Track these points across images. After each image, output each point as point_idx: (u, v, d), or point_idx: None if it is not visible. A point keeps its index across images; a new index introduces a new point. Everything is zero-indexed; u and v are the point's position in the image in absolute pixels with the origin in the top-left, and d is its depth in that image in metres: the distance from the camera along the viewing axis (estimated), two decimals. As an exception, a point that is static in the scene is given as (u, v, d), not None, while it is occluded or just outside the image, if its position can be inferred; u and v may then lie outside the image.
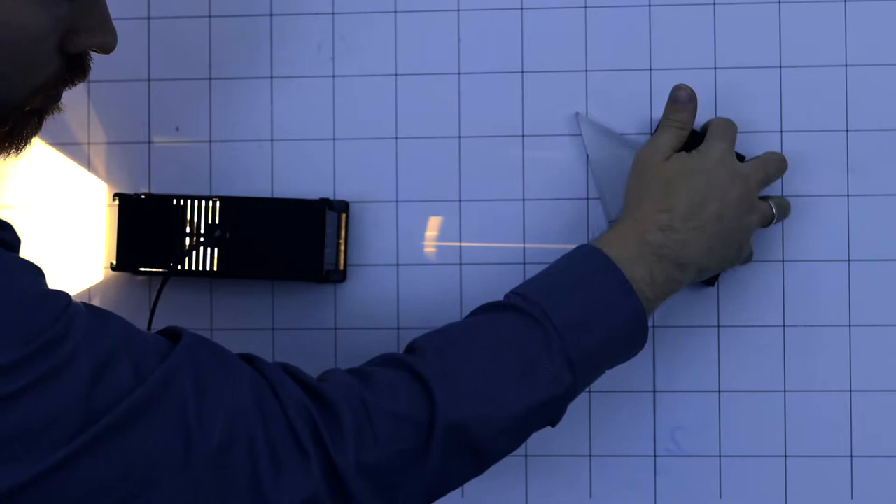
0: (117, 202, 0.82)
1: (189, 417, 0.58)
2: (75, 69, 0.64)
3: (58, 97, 0.66)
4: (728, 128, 0.79)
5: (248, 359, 0.65)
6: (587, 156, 0.83)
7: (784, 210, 0.81)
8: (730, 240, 0.75)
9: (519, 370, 0.66)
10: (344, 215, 0.83)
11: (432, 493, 0.66)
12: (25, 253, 0.73)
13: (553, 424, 0.70)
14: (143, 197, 0.82)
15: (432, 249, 0.85)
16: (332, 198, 0.83)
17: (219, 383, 0.60)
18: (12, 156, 0.66)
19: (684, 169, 0.76)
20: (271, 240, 0.80)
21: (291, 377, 0.64)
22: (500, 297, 0.71)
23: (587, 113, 0.84)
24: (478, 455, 0.66)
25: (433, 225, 0.85)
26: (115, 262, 0.82)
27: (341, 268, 0.83)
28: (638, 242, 0.72)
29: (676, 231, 0.73)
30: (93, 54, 0.66)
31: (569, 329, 0.68)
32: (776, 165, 0.80)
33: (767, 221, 0.79)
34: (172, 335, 0.63)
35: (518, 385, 0.66)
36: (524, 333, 0.68)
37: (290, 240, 0.80)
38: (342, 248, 0.83)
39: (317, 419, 0.61)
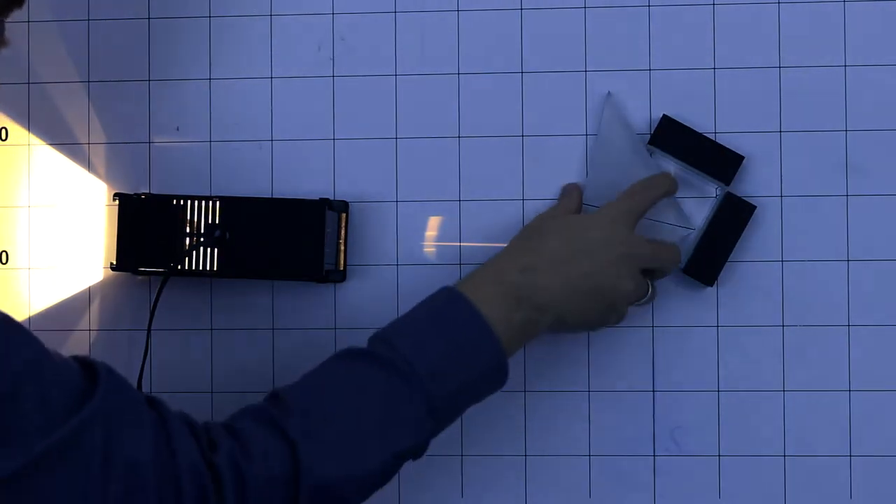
0: (117, 202, 0.83)
1: (92, 472, 0.58)
2: None
3: None
4: (645, 189, 0.78)
5: (152, 403, 0.64)
6: (597, 134, 0.83)
7: (654, 295, 0.80)
8: (597, 299, 0.74)
9: (382, 424, 0.67)
10: (344, 215, 0.83)
11: None
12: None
13: (416, 459, 0.71)
14: (143, 197, 0.82)
15: (432, 249, 0.85)
16: (331, 198, 0.84)
17: (126, 436, 0.60)
18: None
19: (564, 223, 0.76)
20: (271, 240, 0.80)
21: (190, 433, 0.63)
22: None
23: (587, 111, 0.84)
24: None
25: (433, 225, 0.85)
26: (115, 262, 0.82)
27: (341, 268, 0.83)
28: (496, 283, 0.73)
29: (537, 273, 0.73)
30: None
31: (432, 376, 0.68)
32: (668, 257, 0.78)
33: (641, 297, 0.77)
34: (86, 366, 0.62)
35: (381, 439, 0.67)
36: (387, 386, 0.68)
37: (290, 240, 0.80)
38: (342, 248, 0.83)
39: (206, 487, 0.62)
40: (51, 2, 0.88)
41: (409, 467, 0.84)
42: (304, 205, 0.80)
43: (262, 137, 0.86)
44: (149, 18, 0.87)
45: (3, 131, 0.88)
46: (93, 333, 0.86)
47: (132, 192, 0.84)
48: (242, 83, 0.86)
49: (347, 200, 0.84)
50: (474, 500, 0.84)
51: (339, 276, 0.83)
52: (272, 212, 0.80)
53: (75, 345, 0.86)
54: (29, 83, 0.87)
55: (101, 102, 0.87)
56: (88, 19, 0.87)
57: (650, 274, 0.78)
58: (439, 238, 0.85)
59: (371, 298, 0.85)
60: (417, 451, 0.70)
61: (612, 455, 0.83)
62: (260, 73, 0.86)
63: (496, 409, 0.83)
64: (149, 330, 0.82)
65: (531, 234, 0.77)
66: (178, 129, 0.86)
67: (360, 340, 0.84)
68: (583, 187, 0.82)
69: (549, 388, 0.83)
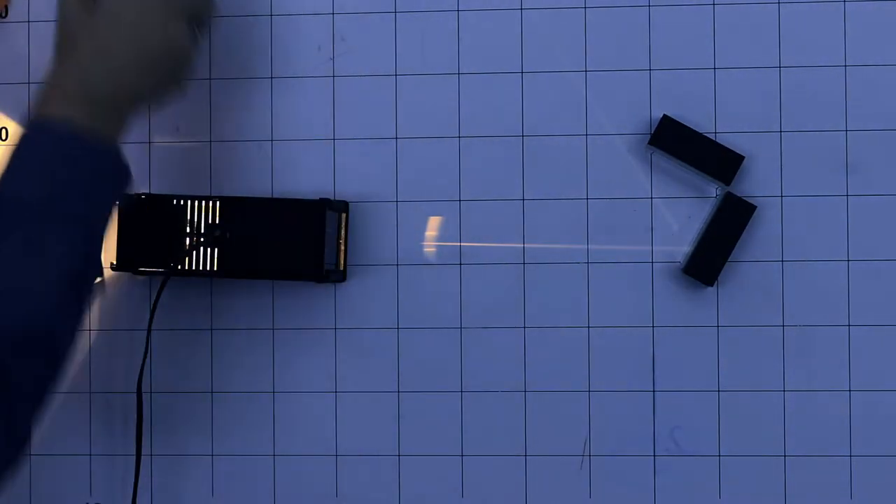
0: (117, 202, 0.82)
1: None
2: None
3: None
4: None
5: None
6: None
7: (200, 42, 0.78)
8: (149, 57, 0.72)
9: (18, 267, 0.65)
10: (344, 215, 0.83)
11: (27, 407, 0.66)
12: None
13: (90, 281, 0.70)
14: (142, 197, 0.82)
15: (432, 249, 0.85)
16: (331, 198, 0.84)
17: None
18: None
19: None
20: (271, 240, 0.80)
21: None
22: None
23: (587, 111, 0.84)
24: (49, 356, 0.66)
25: (433, 225, 0.85)
26: (115, 262, 0.82)
27: (341, 268, 0.83)
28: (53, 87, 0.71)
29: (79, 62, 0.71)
30: None
31: (53, 201, 0.66)
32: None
33: (193, 47, 0.76)
34: None
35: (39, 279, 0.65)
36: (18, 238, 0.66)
37: (290, 240, 0.80)
38: (342, 248, 0.83)
39: None
40: (51, 2, 0.88)
41: (410, 467, 0.84)
42: (304, 205, 0.80)
43: (262, 137, 0.86)
44: (149, 18, 0.87)
45: (3, 131, 0.88)
46: (93, 333, 0.86)
47: (132, 192, 0.83)
48: (242, 83, 0.86)
49: (347, 200, 0.84)
50: (474, 500, 0.84)
51: (339, 276, 0.83)
52: (272, 212, 0.80)
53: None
54: (29, 83, 0.87)
55: (101, 102, 0.87)
56: (88, 19, 0.87)
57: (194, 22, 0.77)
58: (439, 238, 0.85)
59: (371, 298, 0.85)
60: (85, 263, 0.68)
61: (612, 455, 0.83)
62: (260, 73, 0.86)
63: (496, 409, 0.84)
64: (149, 330, 0.82)
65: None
66: (178, 129, 0.86)
67: (361, 340, 0.84)
68: None
69: (549, 388, 0.84)
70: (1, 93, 0.88)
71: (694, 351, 0.83)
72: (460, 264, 0.84)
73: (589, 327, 0.83)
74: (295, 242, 0.80)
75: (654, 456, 0.83)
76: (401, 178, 0.85)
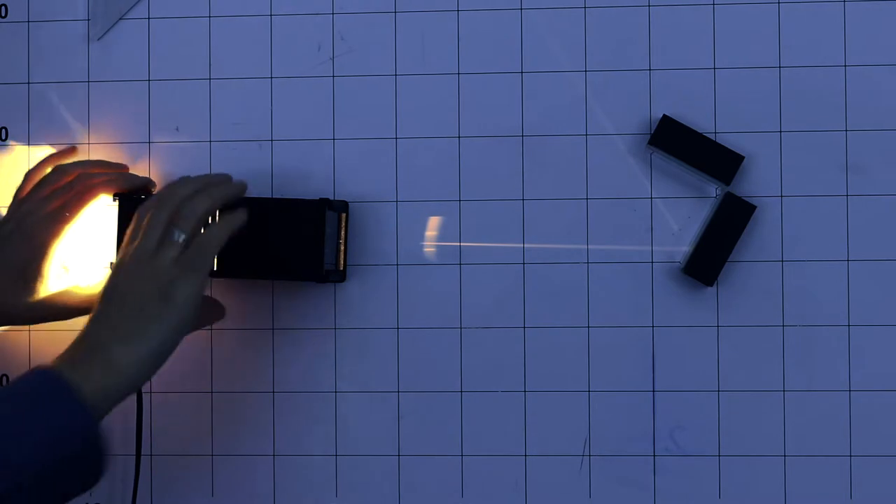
0: (117, 202, 0.82)
1: None
2: None
3: None
4: (137, 224, 0.73)
5: None
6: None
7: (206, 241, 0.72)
8: (133, 295, 0.69)
9: None
10: (344, 215, 0.83)
11: None
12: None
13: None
14: (143, 197, 0.82)
15: (432, 249, 0.85)
16: (331, 198, 0.84)
17: None
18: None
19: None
20: (271, 240, 0.80)
21: None
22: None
23: (587, 111, 0.84)
24: None
25: (433, 225, 0.85)
26: (114, 262, 0.82)
27: (341, 268, 0.83)
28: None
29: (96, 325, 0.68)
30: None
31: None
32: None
33: (181, 246, 0.71)
34: None
35: None
36: None
37: (290, 240, 0.80)
38: (342, 248, 0.83)
39: None
40: (51, 2, 0.88)
41: (410, 467, 0.84)
42: (304, 205, 0.80)
43: (263, 137, 0.86)
44: (149, 18, 0.87)
45: (3, 131, 0.88)
46: (93, 333, 0.86)
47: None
48: (242, 83, 0.86)
49: (347, 200, 0.84)
50: (474, 500, 0.84)
51: (339, 277, 0.83)
52: (272, 212, 0.80)
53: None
54: (29, 83, 0.87)
55: (101, 102, 0.87)
56: (88, 19, 0.87)
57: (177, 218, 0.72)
58: (439, 238, 0.85)
59: (371, 298, 0.85)
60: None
61: (612, 455, 0.83)
62: (260, 73, 0.86)
63: (496, 409, 0.84)
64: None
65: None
66: (178, 129, 0.87)
67: (360, 340, 0.84)
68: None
69: (549, 388, 0.84)
70: (1, 93, 0.88)
71: (694, 351, 0.83)
72: (460, 264, 0.84)
73: (589, 327, 0.83)
74: (295, 242, 0.80)
75: (654, 456, 0.83)
76: (401, 178, 0.85)
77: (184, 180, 0.75)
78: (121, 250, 0.72)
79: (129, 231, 0.73)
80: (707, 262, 0.82)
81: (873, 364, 0.82)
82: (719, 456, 0.83)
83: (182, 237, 0.71)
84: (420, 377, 0.84)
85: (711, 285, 0.83)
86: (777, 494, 0.83)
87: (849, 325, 0.82)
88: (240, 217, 0.74)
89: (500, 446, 0.84)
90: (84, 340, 0.67)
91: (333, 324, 0.85)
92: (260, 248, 0.79)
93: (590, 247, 0.84)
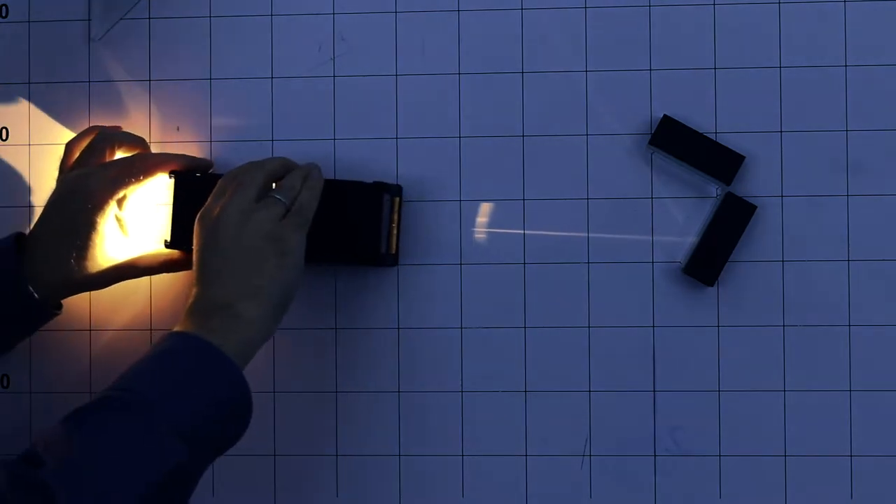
0: (173, 180, 0.82)
1: None
2: None
3: None
4: (226, 183, 0.76)
5: None
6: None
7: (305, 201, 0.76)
8: (245, 250, 0.73)
9: (128, 461, 0.65)
10: (397, 199, 0.82)
11: None
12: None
13: (187, 487, 0.69)
14: (198, 176, 0.81)
15: (433, 249, 0.85)
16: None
17: None
18: None
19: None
20: (327, 223, 0.79)
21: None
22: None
23: (588, 111, 0.84)
24: None
25: (433, 225, 0.85)
26: (168, 240, 0.82)
27: (393, 251, 0.83)
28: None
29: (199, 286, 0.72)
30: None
31: (165, 398, 0.66)
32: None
33: (285, 205, 0.75)
34: None
35: (130, 477, 0.64)
36: (122, 424, 0.66)
37: (347, 223, 0.79)
38: (395, 231, 0.82)
39: None
40: (51, 2, 0.88)
41: (410, 467, 0.84)
42: (360, 188, 0.80)
43: (262, 137, 0.86)
44: (149, 18, 0.87)
45: (4, 131, 0.88)
46: (93, 333, 0.86)
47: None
48: (242, 83, 0.86)
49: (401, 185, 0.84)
50: (474, 500, 0.84)
51: (393, 260, 0.83)
52: (328, 194, 0.79)
53: (75, 345, 0.86)
54: (29, 83, 0.87)
55: (102, 102, 0.87)
56: (88, 19, 0.87)
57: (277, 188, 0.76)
58: (439, 238, 0.85)
59: (371, 298, 0.85)
60: (178, 488, 0.67)
61: (612, 455, 0.83)
62: (260, 73, 0.86)
63: (496, 409, 0.84)
64: (150, 331, 0.82)
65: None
66: (178, 129, 0.86)
67: (361, 340, 0.84)
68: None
69: (549, 388, 0.84)
70: (1, 93, 0.88)
71: (694, 351, 0.83)
72: (460, 264, 0.84)
73: (589, 327, 0.84)
74: (351, 225, 0.79)
75: (655, 456, 0.83)
76: (400, 178, 0.85)
77: (268, 159, 0.78)
78: (207, 208, 0.75)
79: (213, 193, 0.76)
80: (708, 262, 0.82)
81: (873, 364, 0.82)
82: (719, 456, 0.83)
83: (283, 201, 0.75)
84: (420, 377, 0.84)
85: (712, 285, 0.83)
86: (777, 494, 0.83)
87: (849, 325, 0.82)
88: (320, 187, 0.78)
89: (501, 446, 0.84)
90: (207, 303, 0.71)
91: (334, 324, 0.85)
92: (315, 230, 0.77)
93: (590, 247, 0.84)
